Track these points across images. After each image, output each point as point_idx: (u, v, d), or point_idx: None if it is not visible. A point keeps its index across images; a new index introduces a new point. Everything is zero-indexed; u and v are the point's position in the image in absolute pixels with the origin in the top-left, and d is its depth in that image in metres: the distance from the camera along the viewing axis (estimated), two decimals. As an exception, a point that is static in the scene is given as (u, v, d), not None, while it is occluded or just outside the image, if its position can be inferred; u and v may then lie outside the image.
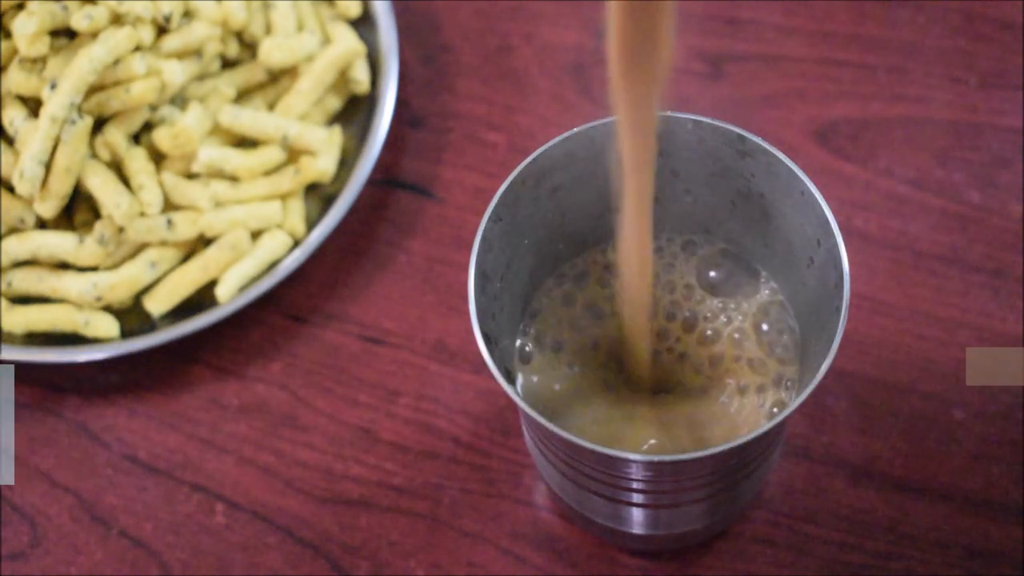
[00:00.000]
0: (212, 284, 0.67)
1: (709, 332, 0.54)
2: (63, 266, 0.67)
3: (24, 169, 0.64)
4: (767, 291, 0.55)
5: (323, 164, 0.68)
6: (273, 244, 0.67)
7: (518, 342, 0.54)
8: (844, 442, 0.63)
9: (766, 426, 0.46)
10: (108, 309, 0.67)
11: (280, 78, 0.71)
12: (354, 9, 0.73)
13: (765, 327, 0.54)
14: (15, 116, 0.65)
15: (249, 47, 0.71)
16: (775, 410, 0.52)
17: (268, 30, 0.71)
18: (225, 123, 0.67)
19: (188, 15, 0.68)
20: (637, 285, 0.50)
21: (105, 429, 0.66)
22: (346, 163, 0.69)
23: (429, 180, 0.71)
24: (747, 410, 0.53)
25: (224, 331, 0.68)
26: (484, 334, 0.48)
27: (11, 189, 0.66)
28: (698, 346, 0.54)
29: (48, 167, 0.64)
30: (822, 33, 0.74)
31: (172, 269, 0.67)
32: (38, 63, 0.65)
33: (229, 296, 0.66)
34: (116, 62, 0.65)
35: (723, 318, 0.54)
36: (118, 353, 0.65)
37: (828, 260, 0.49)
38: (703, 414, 0.53)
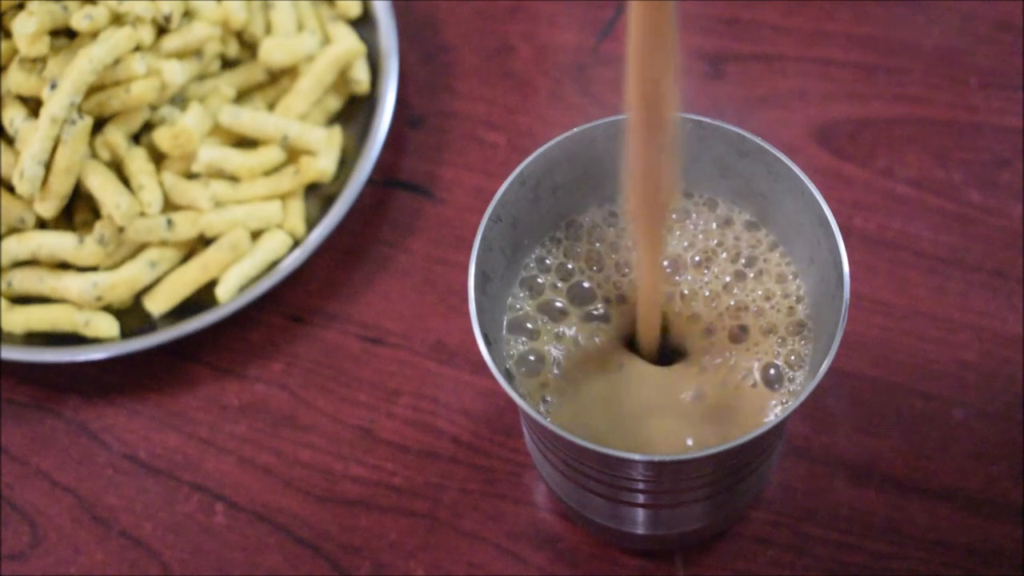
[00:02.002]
0: (212, 284, 0.67)
1: (713, 307, 0.54)
2: (63, 266, 0.67)
3: (24, 169, 0.64)
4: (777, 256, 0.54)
5: (323, 164, 0.68)
6: (273, 244, 0.67)
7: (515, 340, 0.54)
8: (844, 442, 0.63)
9: (766, 426, 0.46)
10: (108, 309, 0.66)
11: (280, 78, 0.71)
12: (354, 9, 0.73)
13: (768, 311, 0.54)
14: (15, 116, 0.65)
15: (249, 47, 0.71)
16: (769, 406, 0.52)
17: (268, 30, 0.71)
18: (225, 123, 0.67)
19: (188, 15, 0.68)
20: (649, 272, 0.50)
21: (105, 429, 0.66)
22: (346, 163, 0.69)
23: (429, 180, 0.71)
24: (754, 397, 0.52)
25: (224, 331, 0.68)
26: (484, 334, 0.48)
27: (11, 189, 0.66)
28: (704, 329, 0.54)
29: (48, 167, 0.64)
30: (822, 33, 0.74)
31: (172, 269, 0.67)
32: (38, 63, 0.65)
33: (229, 296, 0.66)
34: (116, 62, 0.65)
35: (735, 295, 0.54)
36: (118, 353, 0.65)
37: (828, 260, 0.49)
38: (711, 397, 0.52)
